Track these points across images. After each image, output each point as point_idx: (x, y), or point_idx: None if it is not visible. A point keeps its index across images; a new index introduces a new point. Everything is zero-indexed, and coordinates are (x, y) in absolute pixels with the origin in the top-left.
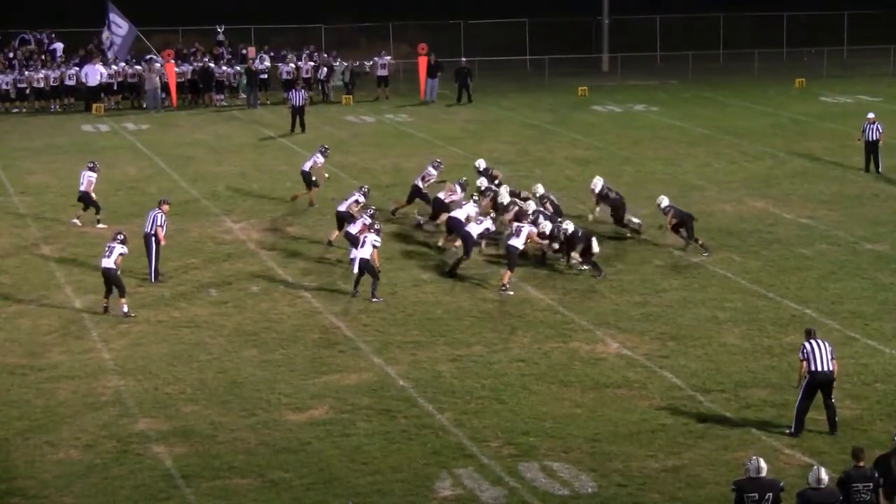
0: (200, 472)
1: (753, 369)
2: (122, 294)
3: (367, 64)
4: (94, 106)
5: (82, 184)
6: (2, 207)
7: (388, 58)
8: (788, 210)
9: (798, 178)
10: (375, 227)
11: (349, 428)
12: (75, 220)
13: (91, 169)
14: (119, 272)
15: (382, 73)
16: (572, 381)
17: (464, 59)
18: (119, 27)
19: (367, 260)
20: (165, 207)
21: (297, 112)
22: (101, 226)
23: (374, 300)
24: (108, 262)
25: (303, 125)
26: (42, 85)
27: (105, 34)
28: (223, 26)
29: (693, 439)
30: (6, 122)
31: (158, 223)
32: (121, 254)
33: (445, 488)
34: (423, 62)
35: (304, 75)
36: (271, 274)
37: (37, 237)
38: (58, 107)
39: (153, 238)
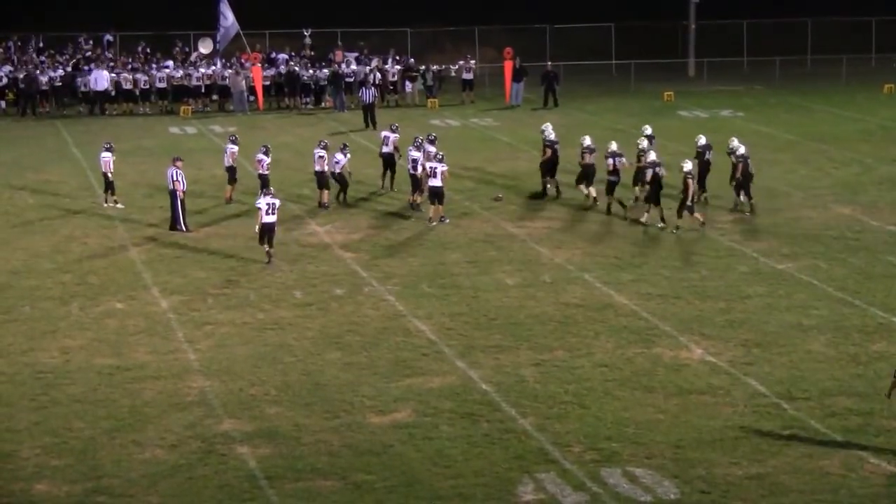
0: (284, 473)
1: (839, 377)
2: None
3: (453, 68)
4: (182, 108)
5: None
6: (91, 209)
7: (473, 62)
8: (876, 217)
9: (886, 184)
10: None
11: (432, 431)
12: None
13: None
14: None
15: (467, 76)
16: (655, 386)
17: (550, 63)
18: (225, 18)
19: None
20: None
21: (368, 109)
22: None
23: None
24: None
25: (374, 122)
26: (130, 87)
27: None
28: (310, 29)
29: (777, 447)
30: (95, 124)
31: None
32: None
33: (528, 493)
34: (508, 66)
35: (391, 78)
36: (355, 277)
37: (124, 238)
38: (146, 109)
39: None
